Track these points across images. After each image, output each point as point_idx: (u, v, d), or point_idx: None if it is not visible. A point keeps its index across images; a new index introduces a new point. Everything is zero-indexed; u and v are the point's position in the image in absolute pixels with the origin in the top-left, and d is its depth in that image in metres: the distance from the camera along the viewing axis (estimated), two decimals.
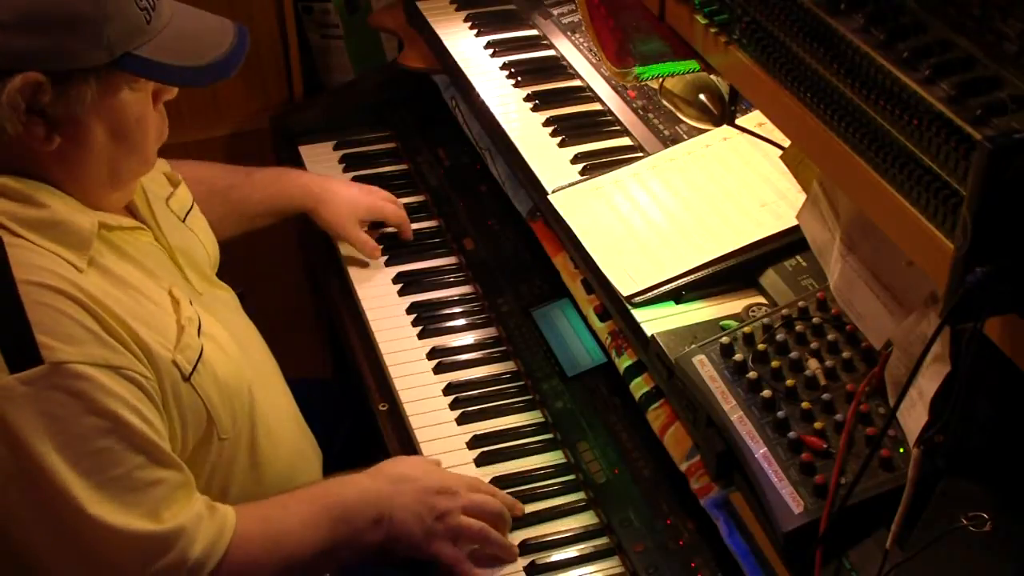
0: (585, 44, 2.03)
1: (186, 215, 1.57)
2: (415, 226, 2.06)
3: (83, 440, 1.20)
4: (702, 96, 1.79)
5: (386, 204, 2.02)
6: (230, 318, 1.52)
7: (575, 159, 1.78)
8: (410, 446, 1.67)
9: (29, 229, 1.23)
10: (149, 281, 1.36)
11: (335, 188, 1.99)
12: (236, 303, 1.59)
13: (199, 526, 1.28)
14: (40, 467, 1.18)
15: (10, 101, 1.18)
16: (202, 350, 1.36)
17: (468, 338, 1.85)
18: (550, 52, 2.07)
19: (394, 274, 1.97)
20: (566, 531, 1.52)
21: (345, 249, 2.01)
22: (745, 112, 1.64)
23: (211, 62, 1.31)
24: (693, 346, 1.36)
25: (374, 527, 1.42)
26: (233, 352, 1.45)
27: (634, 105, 1.88)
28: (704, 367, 1.33)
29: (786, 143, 1.45)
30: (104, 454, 1.22)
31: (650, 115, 1.85)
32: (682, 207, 1.58)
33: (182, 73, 1.28)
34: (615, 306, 1.50)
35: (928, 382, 1.07)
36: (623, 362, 1.55)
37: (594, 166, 1.75)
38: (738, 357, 1.32)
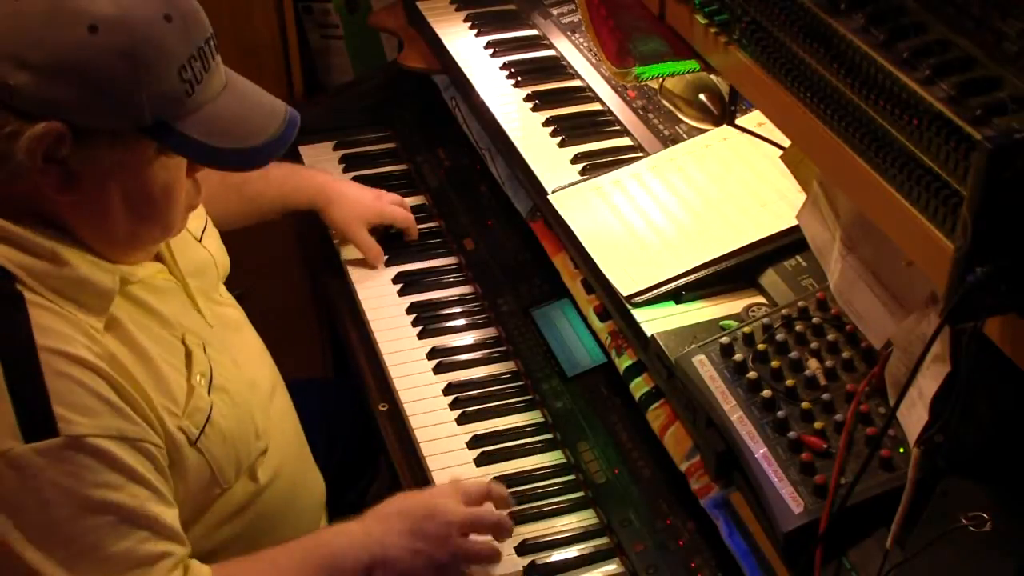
0: (585, 44, 2.03)
1: (202, 234, 1.54)
2: None
3: (88, 513, 1.18)
4: (702, 96, 1.79)
5: (396, 209, 2.02)
6: (237, 342, 1.50)
7: (575, 159, 1.78)
8: (410, 446, 1.67)
9: (49, 288, 1.20)
10: (164, 333, 1.34)
11: (346, 190, 2.00)
12: (242, 319, 1.57)
13: None
14: (29, 544, 1.15)
15: (28, 147, 1.14)
16: (211, 411, 1.34)
17: (468, 338, 1.85)
18: (550, 52, 2.07)
19: (394, 274, 1.97)
20: (566, 531, 1.52)
21: (345, 249, 2.01)
22: (745, 112, 1.64)
23: (246, 147, 1.25)
24: (693, 346, 1.36)
25: (366, 573, 1.36)
26: (242, 394, 1.43)
27: (634, 105, 1.88)
28: (704, 367, 1.33)
29: (786, 143, 1.45)
30: (108, 528, 1.20)
31: (650, 115, 1.85)
32: (682, 207, 1.58)
33: (211, 153, 1.23)
34: (615, 306, 1.50)
35: (928, 382, 1.07)
36: (623, 362, 1.55)
37: (594, 166, 1.75)
38: (738, 357, 1.31)
